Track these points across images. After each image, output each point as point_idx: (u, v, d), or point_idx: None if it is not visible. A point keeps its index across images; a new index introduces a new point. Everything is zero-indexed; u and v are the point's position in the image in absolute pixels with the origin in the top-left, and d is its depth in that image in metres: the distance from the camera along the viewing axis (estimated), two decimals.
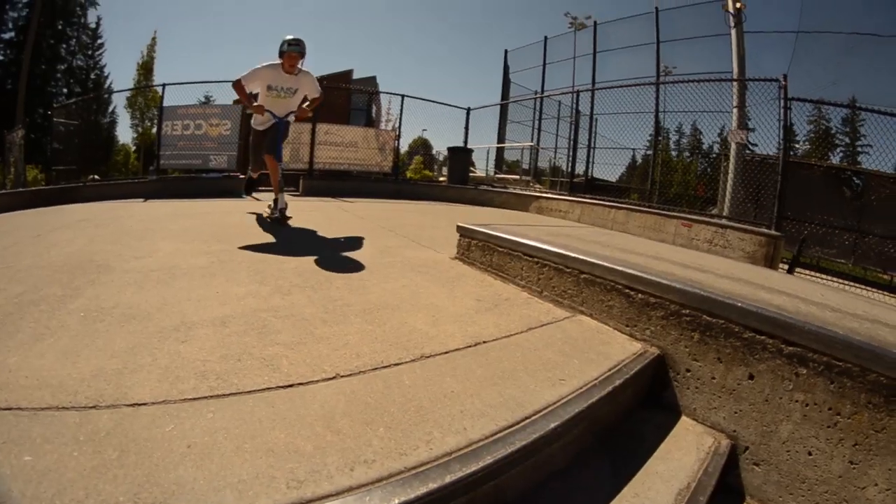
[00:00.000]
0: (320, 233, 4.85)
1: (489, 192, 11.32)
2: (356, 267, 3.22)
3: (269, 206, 5.68)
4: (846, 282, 9.50)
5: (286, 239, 4.20)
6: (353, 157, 11.63)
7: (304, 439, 1.18)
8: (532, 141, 17.54)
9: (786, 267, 7.78)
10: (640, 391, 2.13)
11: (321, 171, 10.98)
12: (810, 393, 1.78)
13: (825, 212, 10.43)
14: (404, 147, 23.00)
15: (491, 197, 10.91)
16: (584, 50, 19.36)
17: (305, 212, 6.14)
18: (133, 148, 33.67)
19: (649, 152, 12.75)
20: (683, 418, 2.06)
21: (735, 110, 9.89)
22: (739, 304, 2.01)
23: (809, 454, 1.76)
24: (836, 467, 1.69)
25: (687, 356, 2.14)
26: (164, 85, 10.89)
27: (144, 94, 31.41)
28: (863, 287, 9.46)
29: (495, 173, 17.07)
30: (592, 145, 13.10)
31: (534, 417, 1.45)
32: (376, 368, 1.63)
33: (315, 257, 3.41)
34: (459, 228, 3.70)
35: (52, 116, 13.33)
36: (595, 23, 19.14)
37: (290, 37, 5.13)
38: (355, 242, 4.20)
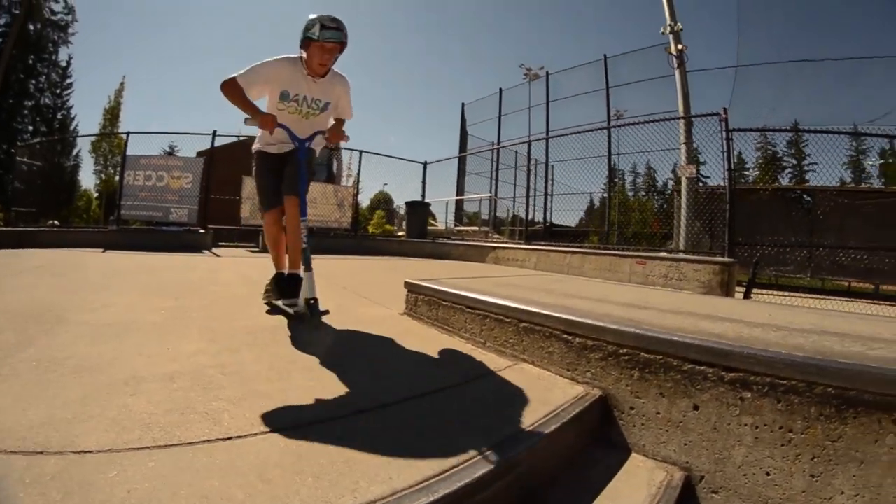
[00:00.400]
0: None
1: (447, 245, 11.49)
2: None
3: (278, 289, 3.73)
4: (805, 295, 9.81)
5: (241, 298, 4.19)
6: (313, 212, 11.72)
7: (237, 487, 1.25)
8: (490, 191, 17.94)
9: (743, 290, 7.99)
10: (585, 433, 2.12)
11: None
12: (758, 415, 1.83)
13: (777, 232, 10.95)
14: (366, 202, 23.30)
15: (448, 250, 11.07)
16: (539, 99, 20.15)
17: (263, 268, 6.22)
18: (95, 195, 33.11)
19: (606, 194, 13.26)
20: (633, 455, 2.07)
21: (683, 146, 10.32)
22: (675, 339, 2.07)
23: (768, 474, 1.78)
24: (798, 483, 1.72)
25: (629, 394, 2.18)
26: (128, 133, 10.99)
27: (109, 141, 31.14)
28: (822, 297, 9.79)
29: (455, 225, 17.38)
30: (549, 192, 13.56)
31: (461, 466, 1.45)
32: (312, 423, 1.68)
33: (267, 315, 3.48)
34: (407, 284, 3.77)
35: (14, 155, 13.23)
36: (547, 73, 19.98)
37: (320, 16, 3.17)
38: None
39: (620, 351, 2.24)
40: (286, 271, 3.60)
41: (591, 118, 17.15)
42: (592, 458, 2.03)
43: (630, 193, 20.18)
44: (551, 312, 2.57)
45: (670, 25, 13.60)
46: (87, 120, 50.35)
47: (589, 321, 2.38)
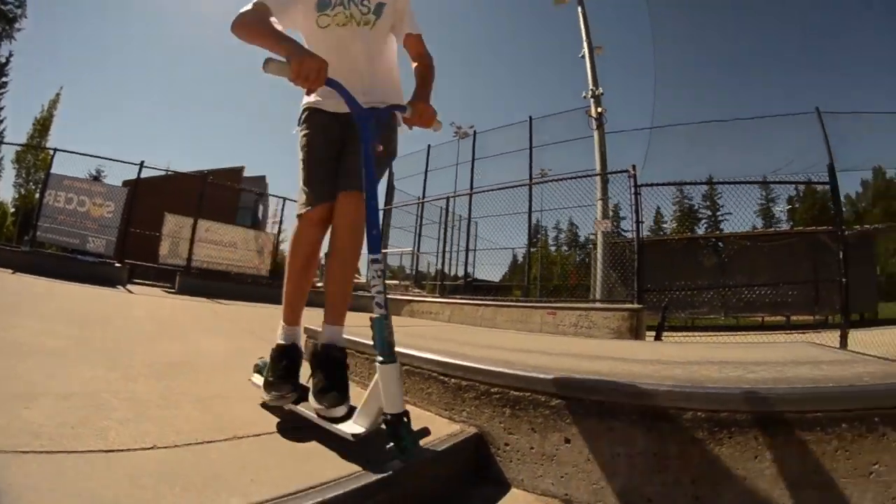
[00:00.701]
0: (185, 330, 4.90)
1: (363, 297, 11.56)
2: (206, 364, 3.38)
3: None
4: (719, 333, 10.45)
5: (147, 333, 4.27)
6: (232, 257, 11.77)
7: (108, 489, 1.36)
8: (413, 246, 18.29)
9: (653, 334, 8.35)
10: (462, 469, 2.15)
11: (199, 269, 10.96)
12: (630, 444, 1.86)
13: (691, 277, 11.78)
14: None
15: (365, 303, 11.04)
16: (467, 157, 20.48)
17: (177, 309, 6.24)
18: (12, 210, 31.13)
19: (532, 249, 13.86)
20: (513, 490, 2.09)
21: (599, 202, 10.91)
22: (540, 376, 2.12)
23: (650, 500, 1.79)
24: None
25: (503, 431, 2.20)
26: (55, 150, 10.64)
27: (35, 154, 29.45)
28: (734, 333, 10.74)
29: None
30: (473, 247, 14.05)
31: (321, 486, 1.49)
32: (190, 444, 1.76)
33: (171, 351, 3.54)
34: (307, 331, 3.80)
35: None
36: (475, 132, 20.72)
37: None
38: (216, 342, 4.34)
39: (492, 390, 2.28)
40: (319, 337, 2.19)
41: (517, 176, 17.60)
42: (471, 494, 2.05)
43: (553, 248, 20.90)
44: (428, 355, 2.63)
45: (592, 90, 14.66)
46: (15, 127, 46.85)
47: (461, 362, 2.45)
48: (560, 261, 18.44)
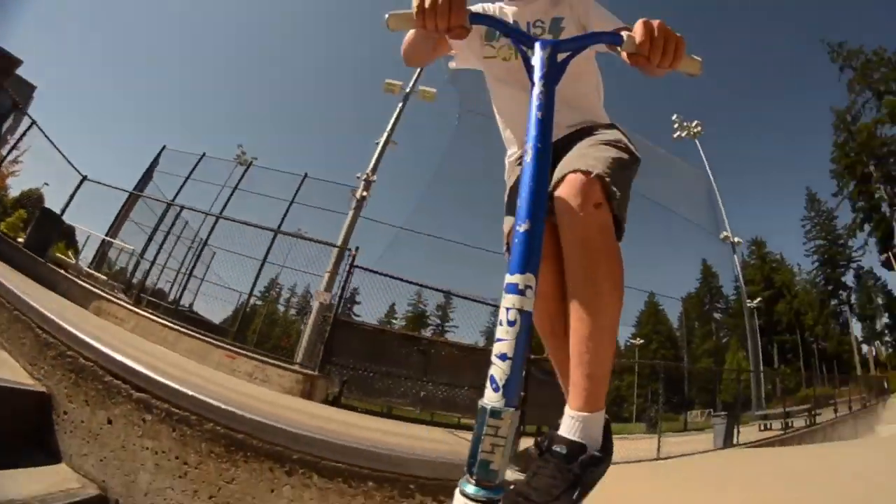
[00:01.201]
0: None
1: (60, 276, 10.12)
2: None
3: None
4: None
5: None
6: None
7: None
8: (138, 248, 16.34)
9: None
10: (20, 432, 2.01)
11: None
12: (157, 440, 1.79)
13: (393, 367, 12.17)
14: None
15: (60, 280, 9.71)
16: (242, 184, 19.80)
17: None
18: None
19: (254, 299, 13.49)
20: (62, 465, 1.95)
21: (326, 274, 11.38)
22: (98, 346, 2.08)
23: None
24: None
25: (66, 397, 2.08)
26: None
27: None
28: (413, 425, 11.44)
29: (90, 266, 15.34)
30: (202, 277, 13.20)
31: None
32: None
33: None
34: None
35: None
36: (251, 162, 20.18)
37: None
38: None
39: (68, 352, 2.19)
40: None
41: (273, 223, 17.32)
42: (18, 459, 1.86)
43: (282, 307, 20.62)
44: (29, 301, 2.55)
45: (367, 175, 15.39)
46: None
47: (54, 318, 2.35)
48: (283, 322, 18.35)
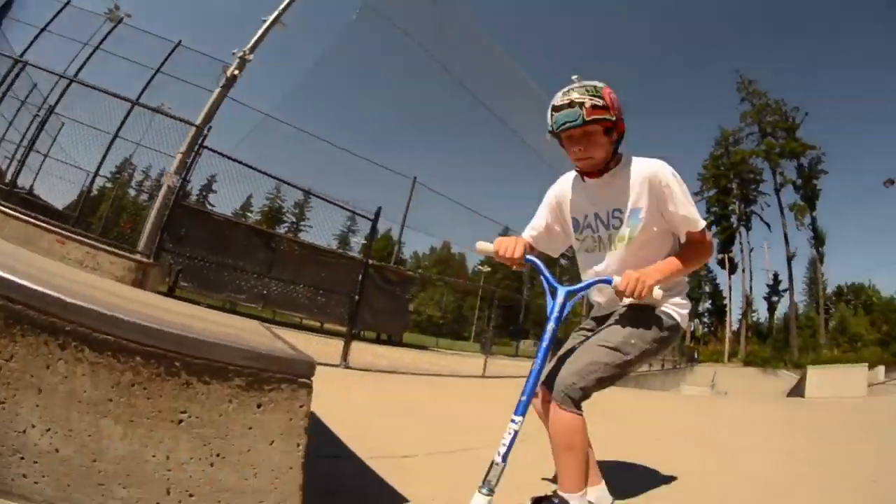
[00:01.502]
0: None
1: None
2: None
3: None
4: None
5: None
6: None
7: None
8: None
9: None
10: None
11: None
12: None
13: (238, 260, 11.97)
14: None
15: None
16: (106, 44, 17.08)
17: None
18: None
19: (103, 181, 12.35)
20: None
21: (179, 154, 10.27)
22: None
23: None
24: None
25: None
26: None
27: None
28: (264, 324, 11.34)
29: None
30: (46, 153, 11.71)
31: None
32: None
33: None
34: None
35: None
36: (122, 19, 17.37)
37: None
38: None
39: None
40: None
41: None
42: None
43: (133, 191, 18.61)
44: None
45: (244, 52, 13.67)
46: None
47: None
48: (133, 207, 16.77)
